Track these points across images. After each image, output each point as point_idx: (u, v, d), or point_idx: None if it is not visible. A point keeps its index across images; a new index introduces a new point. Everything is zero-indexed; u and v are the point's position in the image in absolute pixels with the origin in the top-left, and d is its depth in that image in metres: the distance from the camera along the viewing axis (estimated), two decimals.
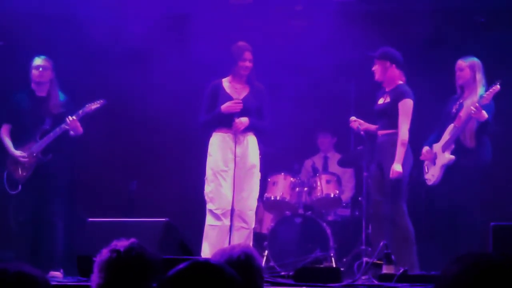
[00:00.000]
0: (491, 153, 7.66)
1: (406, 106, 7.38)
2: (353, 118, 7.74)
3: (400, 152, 7.29)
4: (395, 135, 7.38)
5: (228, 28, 9.07)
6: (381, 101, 7.62)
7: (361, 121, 7.71)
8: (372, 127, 7.73)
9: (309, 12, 9.28)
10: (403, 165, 7.29)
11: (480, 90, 7.63)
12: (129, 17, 8.92)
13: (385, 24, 8.80)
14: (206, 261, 2.08)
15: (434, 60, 8.15)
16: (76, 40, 8.89)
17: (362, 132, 7.67)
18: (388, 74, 7.51)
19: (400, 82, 7.54)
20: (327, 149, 9.74)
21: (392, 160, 7.30)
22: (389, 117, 7.45)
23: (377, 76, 7.57)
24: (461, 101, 7.76)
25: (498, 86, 7.34)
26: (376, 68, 7.56)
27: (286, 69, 9.17)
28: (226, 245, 6.99)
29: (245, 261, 3.19)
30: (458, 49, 8.25)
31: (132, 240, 3.19)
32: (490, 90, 7.37)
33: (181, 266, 2.04)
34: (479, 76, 7.65)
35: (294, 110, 9.23)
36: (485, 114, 7.30)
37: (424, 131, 7.84)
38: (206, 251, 7.15)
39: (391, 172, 7.27)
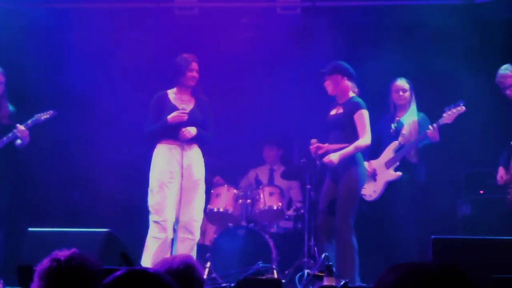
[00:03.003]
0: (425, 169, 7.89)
1: (362, 117, 7.20)
2: (314, 141, 7.39)
3: (347, 150, 7.13)
4: None
5: (174, 38, 9.07)
6: (333, 112, 7.44)
7: (320, 145, 7.34)
8: (332, 147, 7.33)
9: (255, 24, 9.31)
10: (357, 181, 7.18)
11: (414, 107, 7.87)
12: (76, 26, 8.89)
13: (330, 37, 8.84)
14: (143, 269, 2.08)
15: (369, 73, 8.19)
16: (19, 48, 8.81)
17: (318, 162, 7.34)
18: (340, 87, 7.35)
19: (352, 94, 7.39)
20: (273, 161, 9.72)
21: (346, 177, 7.17)
22: (343, 129, 7.26)
23: (330, 91, 7.40)
24: (397, 118, 7.95)
25: (464, 108, 7.48)
26: (327, 83, 7.39)
27: (232, 80, 9.19)
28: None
29: (184, 271, 3.19)
30: (395, 64, 8.37)
31: (73, 250, 3.17)
32: (454, 110, 7.50)
33: (117, 273, 2.03)
34: (413, 95, 7.92)
35: (239, 122, 9.24)
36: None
37: None
38: (148, 263, 7.08)
39: (326, 158, 7.17)
